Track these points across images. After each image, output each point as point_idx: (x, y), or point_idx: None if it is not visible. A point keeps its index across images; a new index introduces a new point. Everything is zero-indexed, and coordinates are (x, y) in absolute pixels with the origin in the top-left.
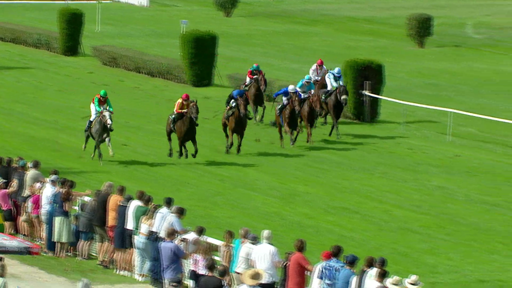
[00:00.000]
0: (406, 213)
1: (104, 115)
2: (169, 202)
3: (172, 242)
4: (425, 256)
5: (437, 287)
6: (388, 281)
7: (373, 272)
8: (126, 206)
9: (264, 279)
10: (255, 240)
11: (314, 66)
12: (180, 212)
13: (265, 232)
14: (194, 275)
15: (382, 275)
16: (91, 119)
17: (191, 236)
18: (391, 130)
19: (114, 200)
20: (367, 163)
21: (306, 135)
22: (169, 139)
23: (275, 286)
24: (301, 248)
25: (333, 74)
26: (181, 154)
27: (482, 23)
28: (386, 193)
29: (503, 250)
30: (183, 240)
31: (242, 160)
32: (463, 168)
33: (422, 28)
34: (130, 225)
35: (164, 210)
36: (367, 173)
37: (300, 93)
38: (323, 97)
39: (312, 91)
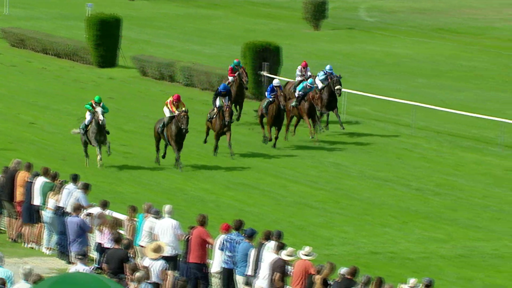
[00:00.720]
0: (302, 188)
1: (96, 111)
2: (75, 178)
3: (78, 216)
4: (320, 229)
5: (331, 258)
6: (283, 253)
7: (271, 244)
8: (32, 182)
9: (167, 252)
10: (158, 215)
11: (299, 68)
12: (86, 188)
13: (167, 207)
14: (100, 248)
15: (279, 247)
16: (86, 122)
17: (96, 210)
18: None
19: (21, 176)
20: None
21: (294, 130)
22: (158, 149)
23: (178, 258)
24: (203, 222)
25: (324, 71)
26: (158, 160)
27: (374, 6)
28: (283, 169)
29: (394, 223)
30: (89, 214)
31: (146, 140)
32: (357, 145)
33: (318, 12)
34: (37, 200)
35: (70, 186)
36: (265, 150)
37: (301, 93)
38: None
39: (311, 94)
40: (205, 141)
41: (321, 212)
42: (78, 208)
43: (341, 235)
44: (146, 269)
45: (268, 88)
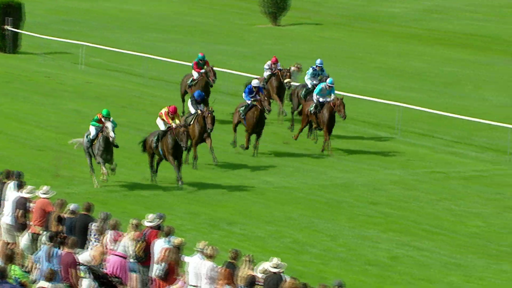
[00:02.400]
0: (45, 132)
1: (106, 127)
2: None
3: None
4: (63, 170)
5: (71, 196)
6: (24, 191)
7: (12, 184)
8: None
9: None
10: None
11: (268, 63)
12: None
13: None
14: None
15: (20, 186)
16: (92, 137)
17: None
18: (31, 60)
19: None
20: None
21: (312, 141)
22: (152, 166)
23: None
24: None
25: (313, 68)
26: (155, 172)
27: None
28: (28, 115)
29: (128, 164)
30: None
31: None
32: (93, 93)
33: None
34: None
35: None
36: (9, 97)
37: (320, 98)
38: (302, 93)
39: (332, 96)
40: (195, 158)
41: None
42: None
43: (81, 175)
44: None
45: (246, 89)
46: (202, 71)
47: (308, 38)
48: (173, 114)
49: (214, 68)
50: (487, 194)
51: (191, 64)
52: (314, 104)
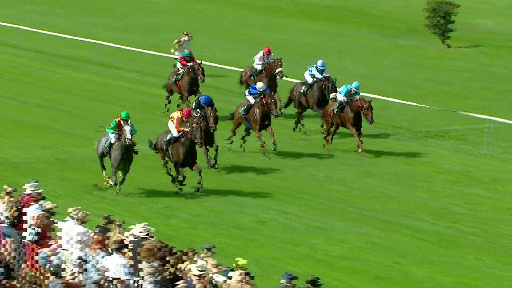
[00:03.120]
0: None
1: (124, 129)
2: None
3: None
4: None
5: None
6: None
7: None
8: None
9: None
10: None
11: (260, 54)
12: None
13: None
14: None
15: None
16: (112, 141)
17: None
18: None
19: None
20: None
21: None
22: (165, 163)
23: None
24: None
25: (316, 67)
26: (174, 181)
27: None
28: None
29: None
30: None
31: None
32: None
33: None
34: None
35: None
36: None
37: (344, 99)
38: (302, 90)
39: (357, 96)
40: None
41: None
42: None
43: None
44: None
45: (250, 89)
46: (190, 64)
47: (176, 10)
48: (187, 117)
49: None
50: (348, 160)
51: (65, 36)
52: (337, 104)
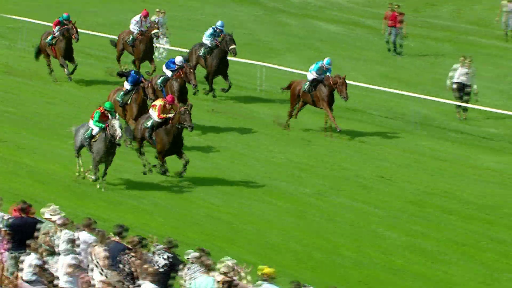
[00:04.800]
0: None
1: (113, 125)
2: None
3: None
4: None
5: None
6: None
7: None
8: None
9: None
10: None
11: (137, 17)
12: None
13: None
14: None
15: None
16: (94, 132)
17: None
18: None
19: None
20: None
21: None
22: (141, 153)
23: None
24: None
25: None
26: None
27: None
28: None
29: None
30: None
31: None
32: None
33: None
34: None
35: None
36: None
37: (316, 76)
38: (201, 52)
39: (329, 74)
40: None
41: None
42: None
43: None
44: None
45: (168, 63)
46: (65, 27)
47: None
48: (171, 104)
49: None
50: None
51: None
52: (308, 82)
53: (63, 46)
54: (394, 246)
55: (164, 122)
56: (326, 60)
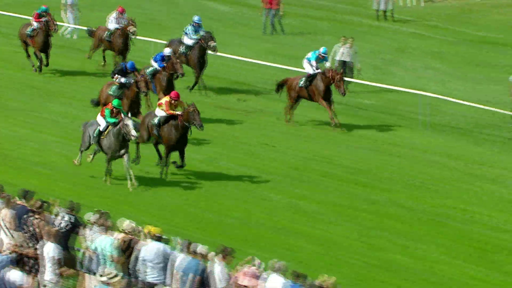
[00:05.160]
0: None
1: (126, 124)
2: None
3: None
4: None
5: None
6: None
7: None
8: None
9: None
10: None
11: (114, 14)
12: None
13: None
14: None
15: None
16: (101, 129)
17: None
18: None
19: None
20: None
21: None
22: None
23: None
24: None
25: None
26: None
27: None
28: None
29: None
30: None
31: None
32: None
33: None
34: None
35: None
36: None
37: (314, 67)
38: (181, 51)
39: (327, 64)
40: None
41: None
42: None
43: None
44: None
45: (157, 56)
46: (43, 19)
47: None
48: (176, 100)
49: None
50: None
51: None
52: (304, 77)
53: (41, 40)
54: (278, 207)
55: (171, 117)
56: (322, 49)
